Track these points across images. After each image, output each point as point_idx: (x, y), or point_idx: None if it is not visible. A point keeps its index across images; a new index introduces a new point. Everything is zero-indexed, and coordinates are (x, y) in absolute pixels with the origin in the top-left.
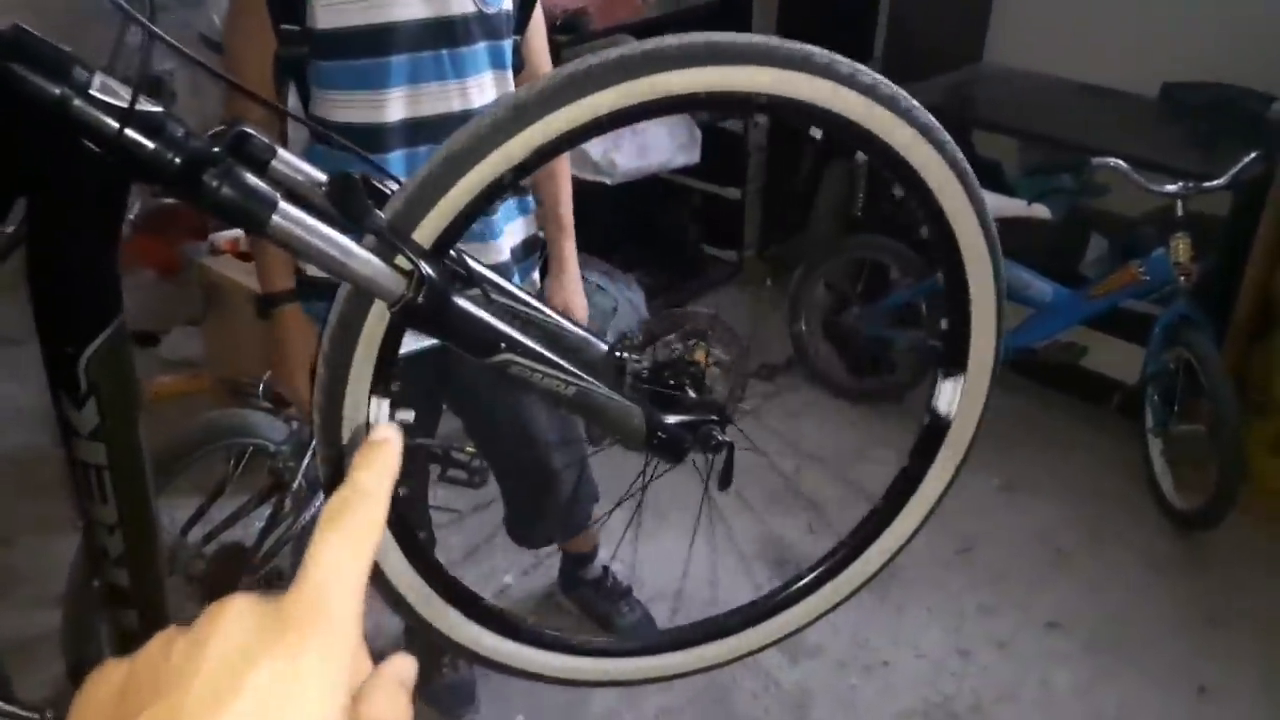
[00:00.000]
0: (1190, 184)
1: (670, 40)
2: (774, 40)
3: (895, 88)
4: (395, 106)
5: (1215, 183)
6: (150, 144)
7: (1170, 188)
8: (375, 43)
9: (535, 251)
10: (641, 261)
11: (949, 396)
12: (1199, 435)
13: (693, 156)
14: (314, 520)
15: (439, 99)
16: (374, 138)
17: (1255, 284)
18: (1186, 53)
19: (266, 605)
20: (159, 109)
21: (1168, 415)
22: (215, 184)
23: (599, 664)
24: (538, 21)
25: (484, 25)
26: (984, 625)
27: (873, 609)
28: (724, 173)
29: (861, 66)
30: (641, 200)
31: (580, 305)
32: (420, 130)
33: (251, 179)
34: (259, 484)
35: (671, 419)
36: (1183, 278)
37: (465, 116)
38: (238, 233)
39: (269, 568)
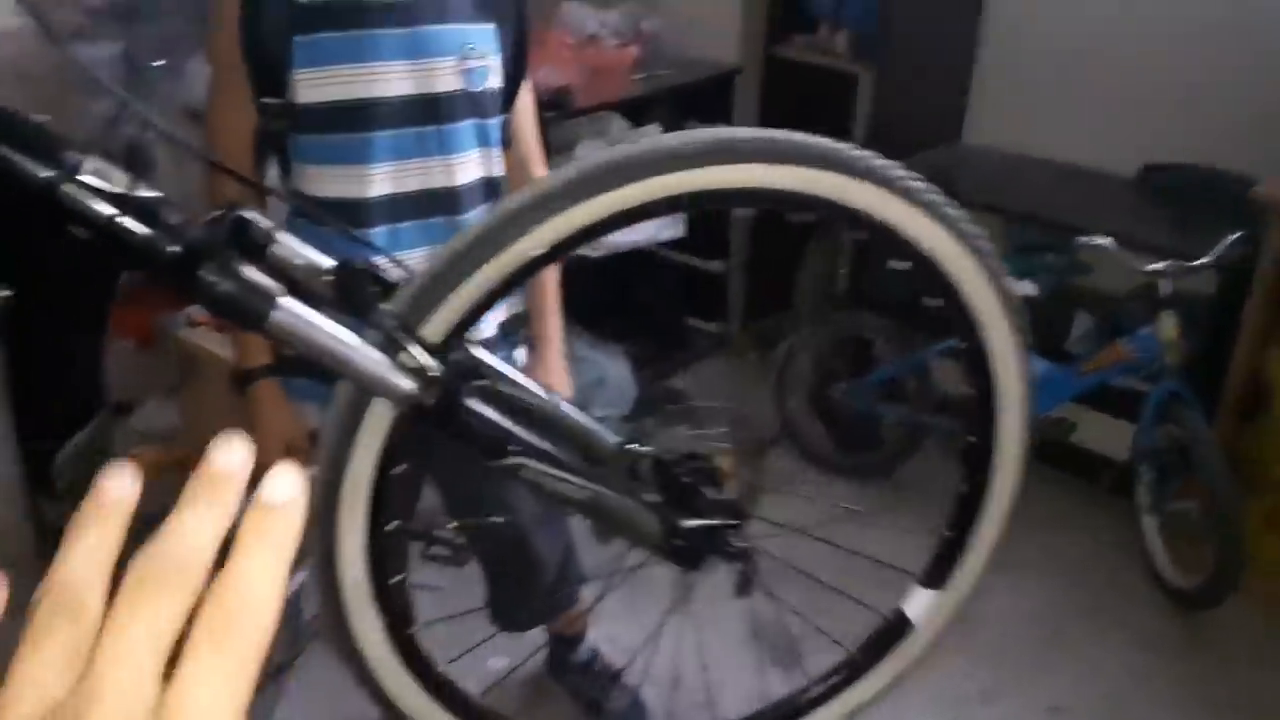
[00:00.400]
0: (1175, 263)
1: (724, 133)
2: (832, 144)
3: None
4: (378, 182)
5: (1200, 261)
6: (145, 231)
7: (1156, 266)
8: (357, 118)
9: (520, 328)
10: (626, 333)
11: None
12: (1194, 513)
13: (677, 230)
14: (293, 599)
15: (423, 175)
16: (356, 212)
17: (1244, 364)
18: (1166, 134)
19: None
20: (154, 194)
21: (1161, 493)
22: (212, 279)
23: None
24: (525, 100)
25: (470, 102)
26: (985, 713)
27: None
28: (707, 246)
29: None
30: (625, 272)
31: (564, 383)
32: (403, 206)
33: (251, 273)
34: None
35: (688, 524)
36: (1170, 355)
37: (450, 194)
38: None
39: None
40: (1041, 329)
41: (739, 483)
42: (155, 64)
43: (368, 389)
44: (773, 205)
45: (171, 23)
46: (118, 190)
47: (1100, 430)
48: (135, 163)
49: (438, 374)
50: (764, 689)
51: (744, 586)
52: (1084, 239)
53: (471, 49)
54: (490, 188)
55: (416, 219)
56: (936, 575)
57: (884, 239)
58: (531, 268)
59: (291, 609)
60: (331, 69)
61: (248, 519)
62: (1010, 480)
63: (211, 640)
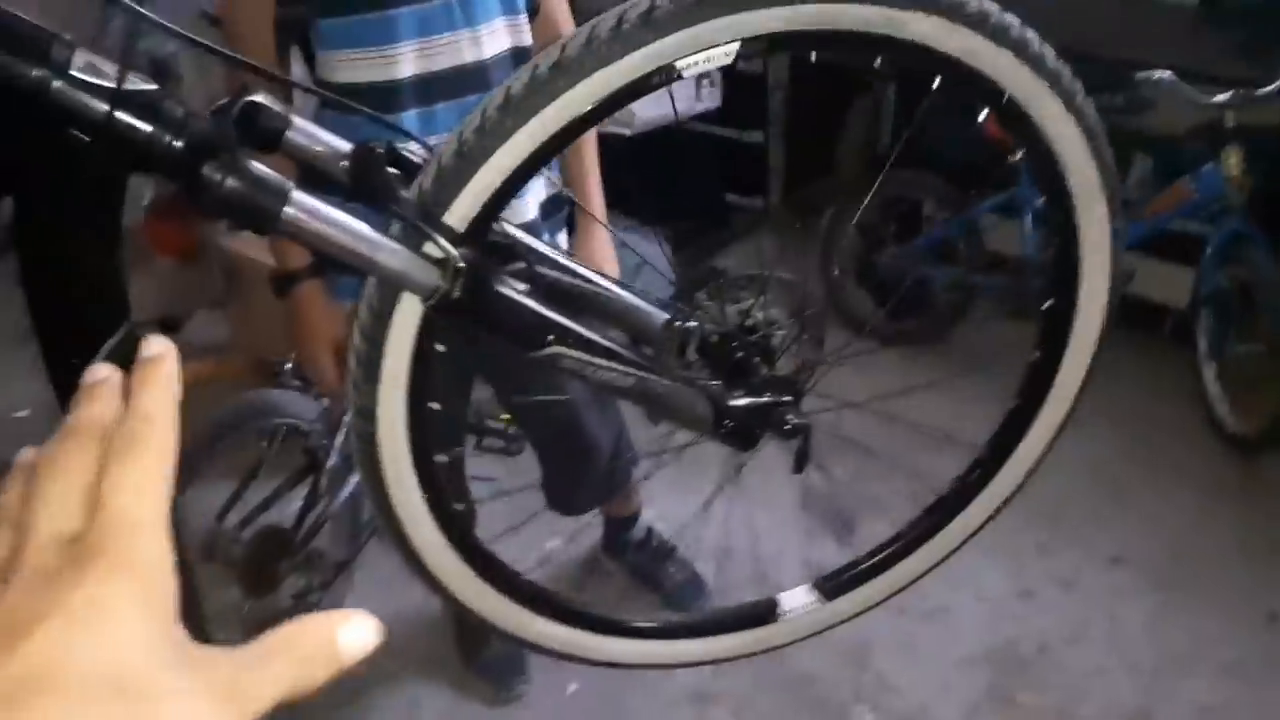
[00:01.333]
0: (1240, 92)
1: None
2: None
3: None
4: (405, 62)
5: (1266, 90)
6: (146, 127)
7: (1220, 98)
8: None
9: (560, 209)
10: (664, 214)
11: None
12: (1259, 355)
13: (714, 101)
14: (352, 497)
15: (451, 51)
16: (386, 98)
17: None
18: None
19: (67, 542)
20: (153, 87)
21: (1222, 338)
22: (217, 177)
23: (662, 647)
24: None
25: None
26: (1045, 564)
27: None
28: (745, 116)
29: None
30: (661, 150)
31: (611, 262)
32: (434, 86)
33: (258, 168)
34: (293, 464)
35: (741, 403)
36: (1236, 192)
37: (480, 68)
38: None
39: (309, 548)
40: None
41: (793, 354)
42: None
43: (391, 284)
44: (853, 51)
45: None
46: (111, 85)
47: (1158, 277)
48: (159, 76)
49: (463, 264)
50: (817, 559)
51: (800, 463)
52: (1143, 74)
53: None
54: (519, 58)
55: (449, 99)
56: (1000, 448)
57: (965, 84)
58: (565, 137)
59: (351, 508)
60: None
61: (136, 370)
62: (1088, 351)
63: (120, 456)
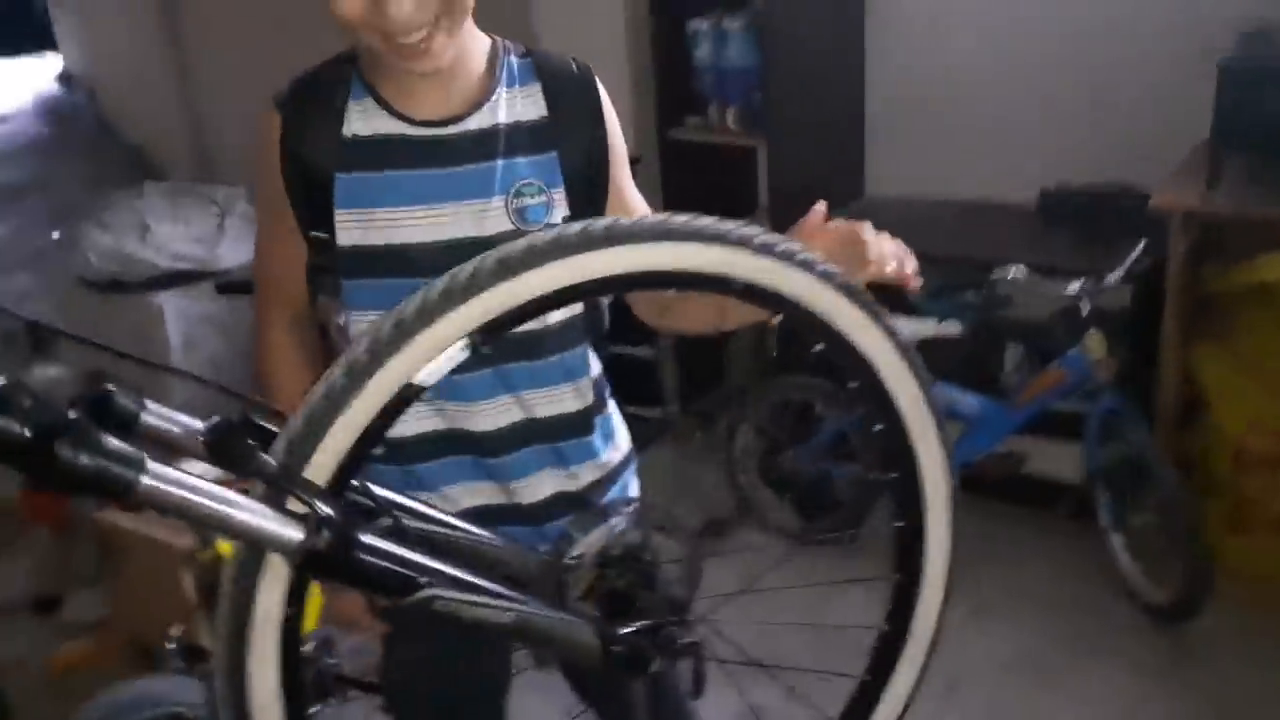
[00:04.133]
0: (1089, 281)
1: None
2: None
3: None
4: None
5: (1111, 278)
6: None
7: (1072, 287)
8: (395, 264)
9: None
10: None
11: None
12: (1156, 525)
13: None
14: None
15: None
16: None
17: (1173, 368)
18: (1057, 158)
19: None
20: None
21: (1121, 510)
22: (69, 454)
23: None
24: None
25: None
26: None
27: None
28: (632, 332)
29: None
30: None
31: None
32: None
33: (112, 441)
34: None
35: (626, 629)
36: (1103, 372)
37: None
38: None
39: None
40: (974, 366)
41: (680, 573)
42: (52, 236)
43: (257, 544)
44: (665, 286)
45: (62, 193)
46: None
47: (1052, 457)
48: (39, 347)
49: (325, 514)
50: None
51: (698, 684)
52: (998, 272)
53: (527, 184)
54: (565, 328)
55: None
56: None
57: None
58: (412, 392)
59: None
60: (370, 211)
61: None
62: (943, 554)
63: None
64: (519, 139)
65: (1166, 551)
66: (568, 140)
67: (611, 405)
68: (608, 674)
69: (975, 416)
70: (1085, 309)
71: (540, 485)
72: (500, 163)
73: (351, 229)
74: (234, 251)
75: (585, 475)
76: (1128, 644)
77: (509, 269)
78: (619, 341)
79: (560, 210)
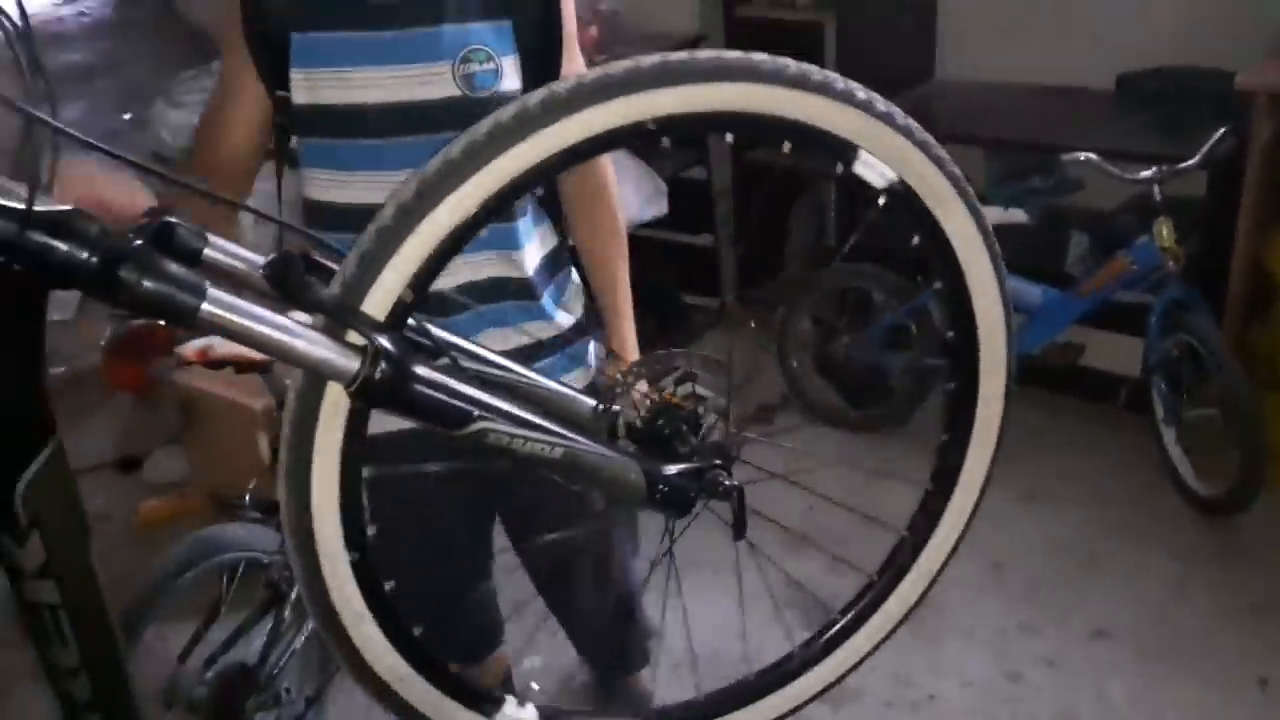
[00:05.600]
0: (1164, 167)
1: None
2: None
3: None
4: (359, 190)
5: (1189, 163)
6: (60, 245)
7: (1145, 173)
8: (343, 125)
9: (562, 267)
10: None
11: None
12: (1213, 418)
13: (661, 208)
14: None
15: None
16: (348, 219)
17: (1245, 259)
18: (1137, 42)
19: None
20: (65, 206)
21: (1177, 403)
22: (135, 277)
23: None
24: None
25: (470, 109)
26: (1028, 644)
27: (909, 642)
28: (694, 221)
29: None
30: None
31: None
32: None
33: (174, 267)
34: (256, 599)
35: (672, 469)
36: (1171, 262)
37: None
38: (203, 341)
39: (276, 685)
40: (1038, 254)
41: (725, 426)
42: (123, 117)
43: (313, 371)
44: (730, 130)
45: (131, 74)
46: (20, 206)
47: (1110, 350)
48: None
49: (382, 346)
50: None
51: (739, 528)
52: (1067, 156)
53: (475, 50)
54: None
55: None
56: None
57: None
58: (475, 222)
59: (318, 639)
60: (321, 71)
61: None
62: (993, 432)
63: None
64: (470, 3)
65: (1220, 445)
66: (523, 11)
67: (569, 275)
68: (655, 510)
69: (1038, 306)
70: (1156, 196)
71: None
72: (448, 28)
73: (305, 88)
74: None
75: (535, 335)
76: (1173, 534)
77: (570, 103)
78: (679, 231)
79: (512, 80)
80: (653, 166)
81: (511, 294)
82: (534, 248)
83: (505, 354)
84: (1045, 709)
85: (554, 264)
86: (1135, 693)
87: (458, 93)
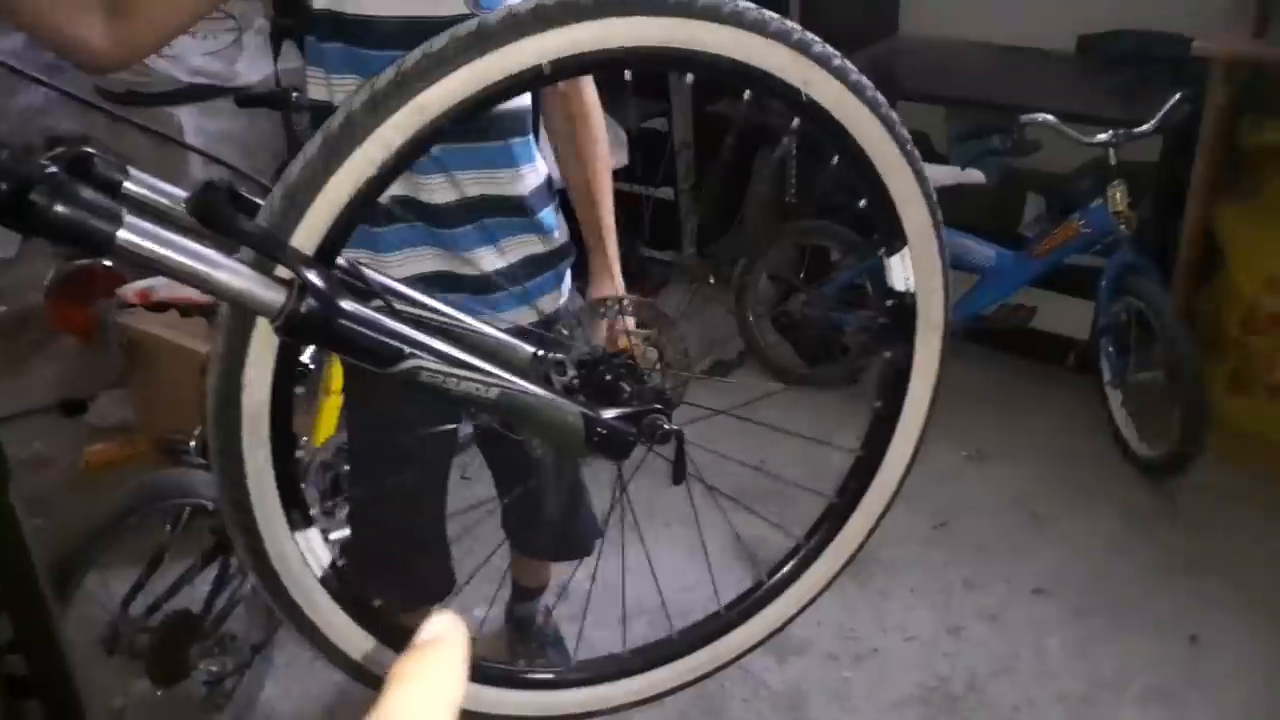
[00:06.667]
0: (1120, 131)
1: None
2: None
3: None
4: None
5: (1144, 127)
6: None
7: (1101, 137)
8: (359, 31)
9: (555, 195)
10: (579, 270)
11: (900, 271)
12: (1158, 382)
13: (620, 159)
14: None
15: None
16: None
17: (1196, 224)
18: (1099, 3)
19: None
20: None
21: (1124, 366)
22: (45, 201)
23: (580, 694)
24: None
25: None
26: (971, 599)
27: (855, 596)
28: (654, 174)
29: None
30: (573, 208)
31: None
32: None
33: (89, 193)
34: (201, 545)
35: (610, 413)
36: (1123, 226)
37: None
38: (146, 283)
39: (221, 632)
40: (994, 215)
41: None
42: None
43: (237, 304)
44: (680, 69)
45: None
46: None
47: (1061, 312)
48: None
49: (309, 281)
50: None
51: (679, 472)
52: (1027, 117)
53: None
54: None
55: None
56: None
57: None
58: (401, 158)
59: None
60: None
61: (405, 658)
62: (925, 399)
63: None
64: None
65: (1164, 408)
66: None
67: (554, 201)
68: (593, 454)
69: (991, 267)
70: (1112, 159)
71: (483, 259)
72: None
73: None
74: (252, 67)
75: (518, 252)
76: (1119, 495)
77: (483, 40)
78: (639, 183)
79: None
80: (615, 117)
81: (512, 209)
82: (531, 170)
83: (510, 265)
84: (984, 662)
85: (550, 189)
86: (1072, 647)
87: (465, 10)
